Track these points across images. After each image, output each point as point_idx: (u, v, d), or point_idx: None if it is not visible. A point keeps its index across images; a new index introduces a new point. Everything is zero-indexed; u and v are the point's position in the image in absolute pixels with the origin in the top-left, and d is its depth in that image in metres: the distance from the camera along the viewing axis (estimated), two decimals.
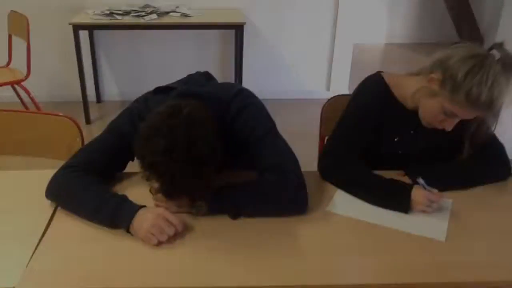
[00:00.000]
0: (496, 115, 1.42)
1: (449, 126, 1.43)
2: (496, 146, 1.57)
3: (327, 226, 1.31)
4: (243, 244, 1.21)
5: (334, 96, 1.87)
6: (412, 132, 1.57)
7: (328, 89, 4.39)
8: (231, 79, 4.21)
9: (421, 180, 1.38)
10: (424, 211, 1.36)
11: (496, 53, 1.33)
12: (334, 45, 4.25)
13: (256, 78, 4.24)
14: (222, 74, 4.27)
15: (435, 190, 1.38)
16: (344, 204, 1.40)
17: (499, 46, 1.35)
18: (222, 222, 1.28)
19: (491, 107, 1.32)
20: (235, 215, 1.29)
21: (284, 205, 1.32)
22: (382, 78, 1.58)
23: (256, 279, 1.10)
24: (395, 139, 1.58)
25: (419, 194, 1.36)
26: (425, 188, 1.37)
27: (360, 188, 1.43)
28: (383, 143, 1.58)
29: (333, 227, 1.30)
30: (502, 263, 1.19)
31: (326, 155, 1.55)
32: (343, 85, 4.35)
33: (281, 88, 4.37)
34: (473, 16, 5.87)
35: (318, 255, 1.19)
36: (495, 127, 1.50)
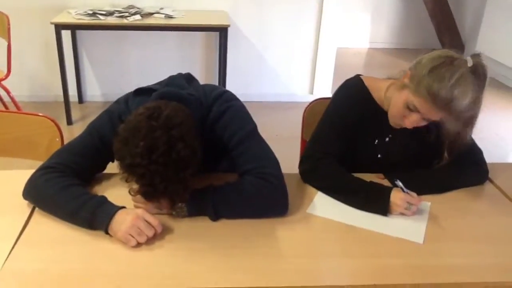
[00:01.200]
0: (470, 126, 1.44)
1: (410, 123, 1.44)
2: (475, 151, 1.59)
3: (307, 228, 1.31)
4: (223, 246, 1.21)
5: (316, 100, 1.89)
6: (391, 135, 1.59)
7: (311, 92, 4.42)
8: (215, 81, 4.21)
9: (399, 183, 1.40)
10: (402, 214, 1.38)
11: (469, 61, 1.35)
12: (317, 49, 4.27)
13: (240, 80, 4.25)
14: (206, 76, 4.26)
15: (414, 194, 1.40)
16: (324, 206, 1.41)
17: (476, 56, 1.37)
18: (202, 224, 1.28)
19: (451, 106, 1.33)
20: (215, 217, 1.29)
21: (264, 207, 1.32)
22: (362, 80, 1.60)
23: (236, 280, 1.10)
24: (375, 142, 1.60)
25: (397, 196, 1.38)
26: (403, 191, 1.39)
27: (339, 191, 1.44)
28: (363, 146, 1.60)
29: (313, 229, 1.31)
30: (478, 265, 1.21)
31: (305, 158, 1.55)
32: (326, 88, 4.38)
33: (265, 91, 4.38)
34: (454, 24, 5.97)
35: (297, 257, 1.19)
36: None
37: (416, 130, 1.49)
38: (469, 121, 1.43)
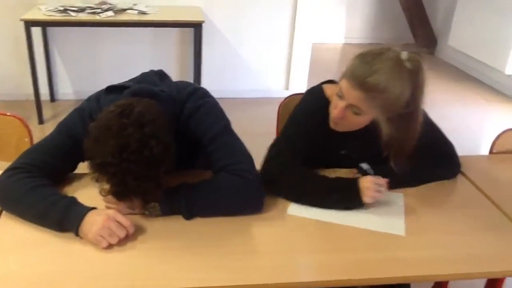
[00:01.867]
0: (405, 127, 1.41)
1: (337, 111, 1.39)
2: (446, 145, 1.60)
3: (283, 225, 1.31)
4: (197, 245, 1.20)
5: (290, 95, 1.88)
6: (356, 143, 1.53)
7: (287, 88, 4.42)
8: (190, 77, 4.16)
9: (364, 165, 1.38)
10: (375, 197, 1.35)
11: (404, 54, 1.33)
12: (293, 44, 4.27)
13: (215, 77, 4.22)
14: (181, 73, 4.22)
15: (379, 176, 1.38)
16: (303, 206, 1.38)
17: (415, 53, 1.35)
18: (176, 223, 1.26)
19: (366, 83, 1.30)
20: (189, 216, 1.28)
21: (239, 204, 1.31)
22: (323, 91, 1.55)
23: (211, 280, 1.09)
24: (342, 152, 1.57)
25: (365, 180, 1.36)
26: (370, 174, 1.37)
27: (307, 197, 1.39)
28: (330, 157, 1.56)
29: (289, 226, 1.31)
30: (451, 257, 1.22)
31: (265, 167, 1.45)
32: (301, 84, 4.39)
33: (240, 87, 4.36)
34: (427, 18, 6.05)
35: (274, 254, 1.19)
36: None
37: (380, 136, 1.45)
38: (403, 121, 1.39)
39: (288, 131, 1.53)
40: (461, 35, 5.39)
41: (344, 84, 1.36)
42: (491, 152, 1.85)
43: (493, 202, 1.47)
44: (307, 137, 1.49)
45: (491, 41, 4.86)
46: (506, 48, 4.62)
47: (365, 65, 1.31)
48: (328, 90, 1.54)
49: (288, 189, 1.40)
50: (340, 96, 1.38)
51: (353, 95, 1.34)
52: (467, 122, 4.17)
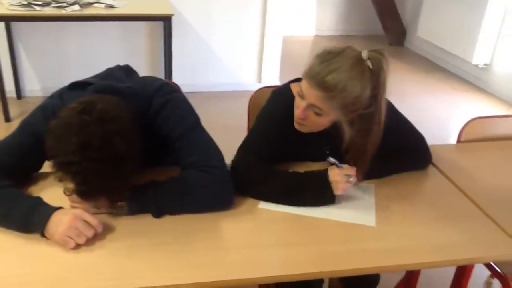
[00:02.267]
0: (363, 130, 1.38)
1: (299, 111, 1.38)
2: (415, 137, 1.60)
3: (253, 219, 1.30)
4: (167, 242, 1.18)
5: (260, 88, 1.87)
6: (334, 140, 1.47)
7: (259, 81, 4.41)
8: (161, 72, 4.12)
9: (331, 159, 1.37)
10: (346, 189, 1.35)
11: (364, 53, 1.32)
12: (264, 37, 4.26)
13: (186, 70, 4.18)
14: (151, 67, 4.17)
15: (346, 165, 1.38)
16: None
17: (376, 51, 1.33)
18: (145, 221, 1.24)
19: (324, 82, 1.28)
20: (158, 214, 1.25)
21: (208, 201, 1.29)
22: (290, 90, 1.51)
23: (181, 277, 1.08)
24: (327, 151, 1.52)
25: (335, 173, 1.35)
26: (338, 166, 1.37)
27: (278, 197, 1.36)
28: (316, 155, 1.54)
29: (259, 221, 1.30)
30: (420, 247, 1.23)
31: (233, 169, 1.41)
32: (273, 77, 4.39)
33: (212, 80, 4.33)
34: (396, 10, 6.12)
35: (244, 249, 1.18)
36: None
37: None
38: (363, 123, 1.36)
39: (254, 132, 1.51)
40: (430, 26, 5.47)
41: (304, 84, 1.34)
42: (458, 141, 1.88)
43: (461, 190, 1.50)
44: (275, 138, 1.46)
45: (458, 31, 4.94)
46: (472, 38, 4.71)
47: (324, 64, 1.30)
48: (294, 89, 1.50)
49: (256, 190, 1.38)
50: (301, 96, 1.37)
51: (313, 94, 1.32)
52: (436, 111, 4.24)
